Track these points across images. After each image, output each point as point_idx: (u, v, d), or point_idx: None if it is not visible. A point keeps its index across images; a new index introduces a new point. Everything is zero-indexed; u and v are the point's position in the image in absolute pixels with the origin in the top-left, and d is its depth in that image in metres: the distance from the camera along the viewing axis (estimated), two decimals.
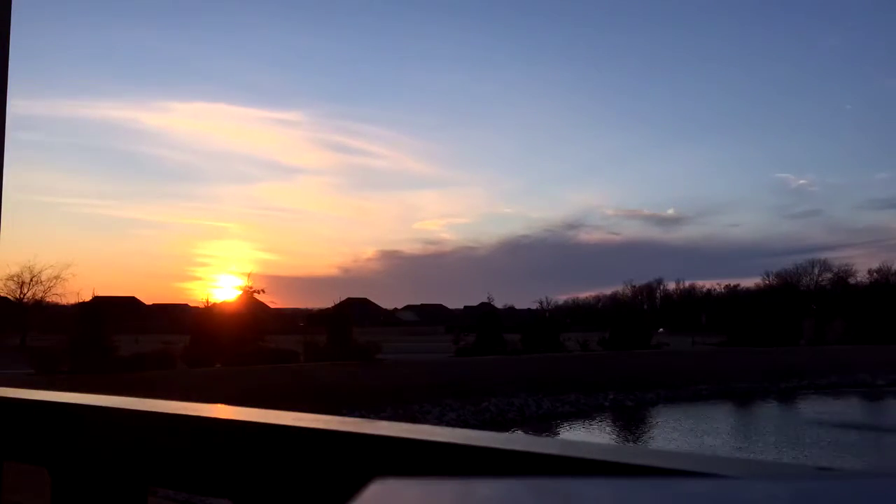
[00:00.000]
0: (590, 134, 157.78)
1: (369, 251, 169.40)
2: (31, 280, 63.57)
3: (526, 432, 28.16)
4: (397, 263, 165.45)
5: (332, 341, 41.02)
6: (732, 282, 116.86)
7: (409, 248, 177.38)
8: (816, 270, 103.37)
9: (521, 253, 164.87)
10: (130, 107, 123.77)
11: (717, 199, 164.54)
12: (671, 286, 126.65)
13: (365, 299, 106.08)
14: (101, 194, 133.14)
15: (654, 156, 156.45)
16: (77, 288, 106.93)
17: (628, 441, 29.95)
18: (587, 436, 30.24)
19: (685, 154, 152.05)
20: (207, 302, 43.10)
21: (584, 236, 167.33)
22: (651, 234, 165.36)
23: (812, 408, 38.33)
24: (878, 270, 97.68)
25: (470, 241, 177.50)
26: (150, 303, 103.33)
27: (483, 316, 54.07)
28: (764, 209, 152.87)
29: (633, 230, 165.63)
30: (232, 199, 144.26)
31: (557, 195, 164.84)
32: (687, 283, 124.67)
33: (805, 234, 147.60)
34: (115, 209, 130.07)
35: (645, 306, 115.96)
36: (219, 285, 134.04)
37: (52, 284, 63.74)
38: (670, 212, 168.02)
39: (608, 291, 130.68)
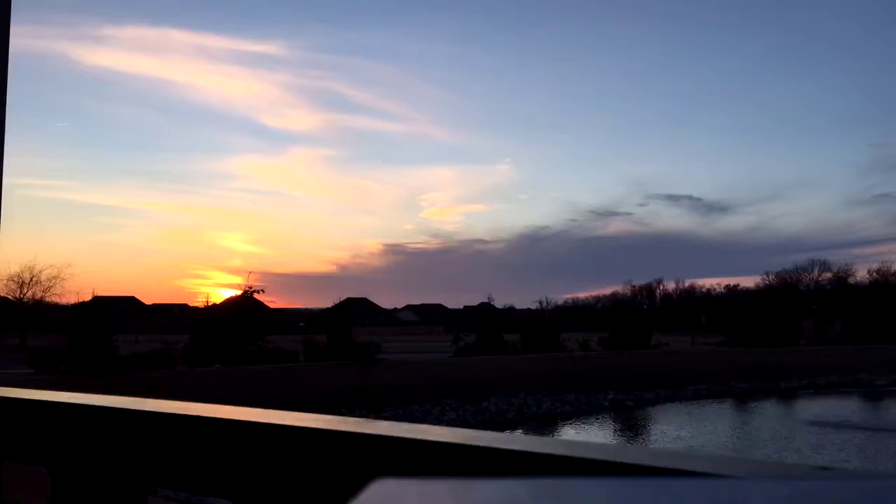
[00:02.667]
0: (645, 93, 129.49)
1: (370, 245, 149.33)
2: (31, 280, 63.68)
3: (526, 432, 28.17)
4: (400, 260, 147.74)
5: (331, 341, 41.02)
6: (733, 281, 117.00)
7: (415, 240, 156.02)
8: (816, 270, 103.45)
9: (538, 247, 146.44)
10: (55, 33, 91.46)
11: (785, 180, 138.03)
12: (671, 286, 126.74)
13: (365, 299, 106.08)
14: (36, 169, 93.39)
15: (716, 124, 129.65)
16: (73, 288, 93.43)
17: (628, 441, 29.95)
18: (587, 436, 30.23)
19: (753, 126, 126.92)
20: (207, 302, 43.18)
21: (613, 227, 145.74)
22: (686, 226, 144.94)
23: (811, 408, 38.31)
24: (878, 270, 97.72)
25: (484, 233, 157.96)
26: (150, 302, 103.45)
27: (483, 316, 54.06)
28: (833, 193, 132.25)
29: (668, 220, 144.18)
30: (209, 178, 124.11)
31: (595, 172, 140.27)
32: (687, 283, 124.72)
33: (863, 224, 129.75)
34: (64, 190, 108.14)
35: (644, 306, 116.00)
36: (218, 284, 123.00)
37: (51, 284, 63.86)
38: (716, 198, 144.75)
39: (608, 291, 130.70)
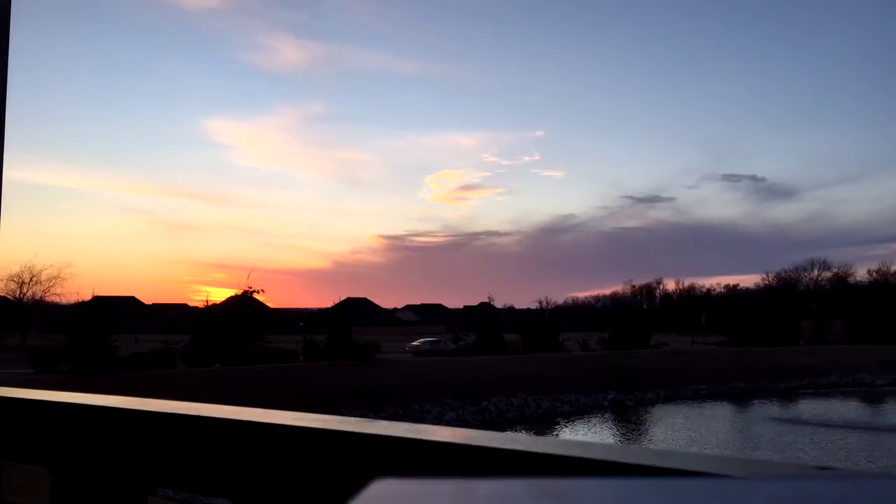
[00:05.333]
0: (715, 55, 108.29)
1: (370, 239, 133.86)
2: (31, 280, 63.67)
3: (526, 432, 28.15)
4: (403, 257, 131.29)
5: (331, 341, 41.01)
6: (733, 281, 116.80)
7: (420, 230, 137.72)
8: (816, 270, 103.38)
9: (554, 242, 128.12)
10: None
11: (863, 159, 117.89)
12: (671, 286, 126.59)
13: (365, 299, 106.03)
14: None
15: (794, 95, 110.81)
16: (73, 288, 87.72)
17: (628, 441, 29.94)
18: (587, 436, 30.23)
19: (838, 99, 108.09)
20: (207, 302, 43.20)
21: (647, 217, 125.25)
22: (731, 215, 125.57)
23: (811, 407, 38.32)
24: (878, 270, 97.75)
25: (500, 222, 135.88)
26: (150, 302, 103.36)
27: (483, 316, 54.05)
28: None
29: (714, 208, 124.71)
30: (174, 148, 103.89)
31: (649, 145, 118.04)
32: (686, 283, 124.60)
33: None
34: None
35: (644, 306, 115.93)
36: (202, 281, 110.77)
37: (51, 284, 63.86)
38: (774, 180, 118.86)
39: (608, 291, 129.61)
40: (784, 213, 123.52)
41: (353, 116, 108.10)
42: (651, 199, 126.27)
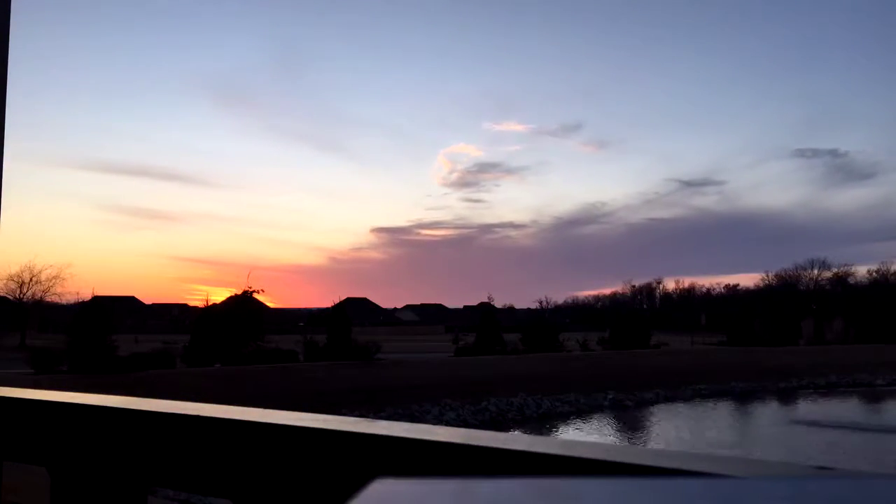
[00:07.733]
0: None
1: (372, 236, 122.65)
2: (31, 280, 63.69)
3: (526, 432, 28.15)
4: (406, 254, 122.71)
5: (331, 341, 41.04)
6: (733, 280, 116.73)
7: (429, 220, 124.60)
8: (816, 270, 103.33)
9: (576, 235, 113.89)
10: None
11: None
12: (671, 286, 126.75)
13: (364, 299, 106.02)
14: None
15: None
16: (73, 288, 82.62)
17: (628, 441, 29.94)
18: (587, 436, 30.23)
19: None
20: (207, 301, 43.19)
21: (690, 204, 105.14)
22: (787, 203, 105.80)
23: (810, 408, 38.32)
24: (878, 270, 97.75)
25: (520, 210, 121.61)
26: (150, 302, 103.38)
27: (483, 316, 54.06)
28: None
29: (771, 193, 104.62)
30: (141, 122, 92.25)
31: (719, 110, 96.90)
32: (686, 283, 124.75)
33: None
34: None
35: (644, 306, 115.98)
36: (185, 278, 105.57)
37: (51, 284, 63.91)
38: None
39: (608, 291, 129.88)
40: (851, 199, 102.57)
41: (347, 67, 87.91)
42: (700, 183, 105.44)
